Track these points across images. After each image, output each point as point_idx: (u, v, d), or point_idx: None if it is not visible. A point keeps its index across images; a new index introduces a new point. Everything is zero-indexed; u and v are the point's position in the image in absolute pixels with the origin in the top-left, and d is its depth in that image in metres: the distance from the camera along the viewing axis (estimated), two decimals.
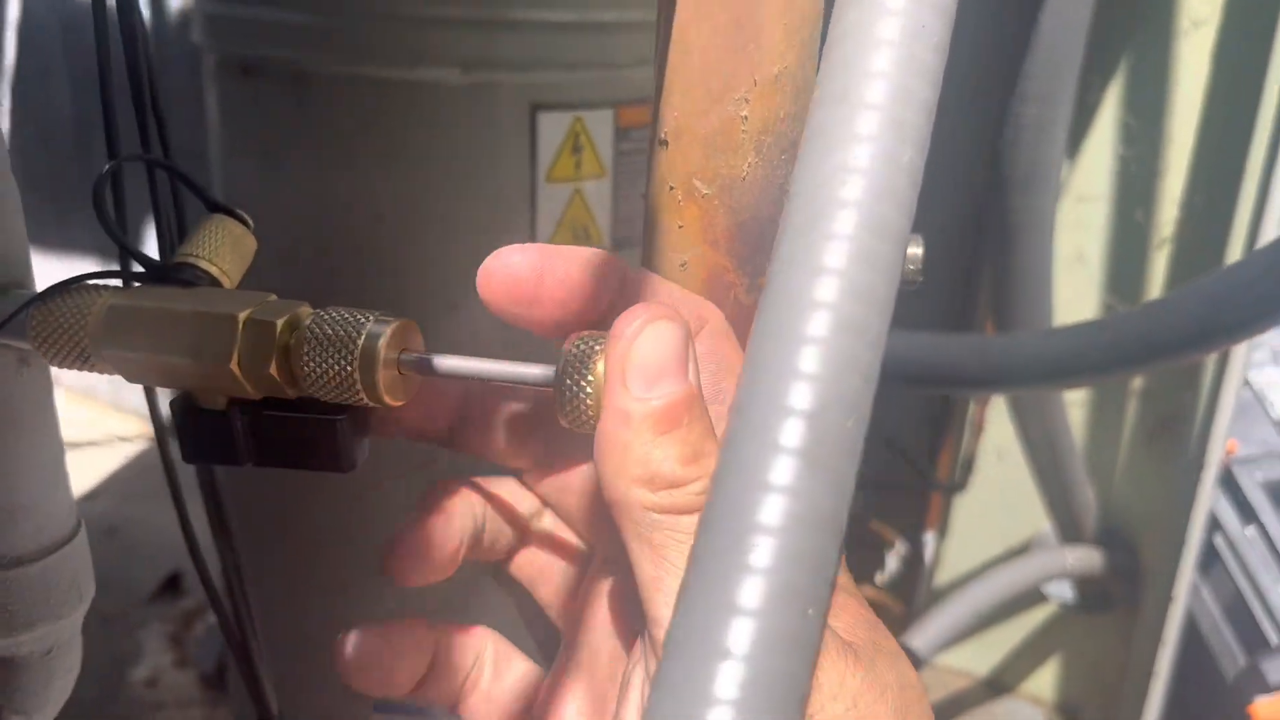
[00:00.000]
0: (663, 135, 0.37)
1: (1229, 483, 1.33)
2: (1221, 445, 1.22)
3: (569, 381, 0.31)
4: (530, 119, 0.78)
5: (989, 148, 1.09)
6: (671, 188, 0.38)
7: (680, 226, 0.37)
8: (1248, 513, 1.32)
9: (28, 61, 2.21)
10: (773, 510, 0.22)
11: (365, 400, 0.33)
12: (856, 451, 0.24)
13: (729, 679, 0.21)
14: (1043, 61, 1.00)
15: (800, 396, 0.23)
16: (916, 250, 0.44)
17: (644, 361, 0.29)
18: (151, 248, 0.43)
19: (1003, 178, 1.06)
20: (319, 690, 0.91)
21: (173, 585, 1.84)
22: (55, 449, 0.44)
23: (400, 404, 0.35)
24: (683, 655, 0.21)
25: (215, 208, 0.41)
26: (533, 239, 0.80)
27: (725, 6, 0.35)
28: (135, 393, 2.43)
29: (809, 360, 0.24)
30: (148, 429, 2.36)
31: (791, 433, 0.23)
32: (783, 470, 0.23)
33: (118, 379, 0.38)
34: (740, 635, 0.21)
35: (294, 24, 0.78)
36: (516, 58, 0.77)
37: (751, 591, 0.21)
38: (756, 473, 0.23)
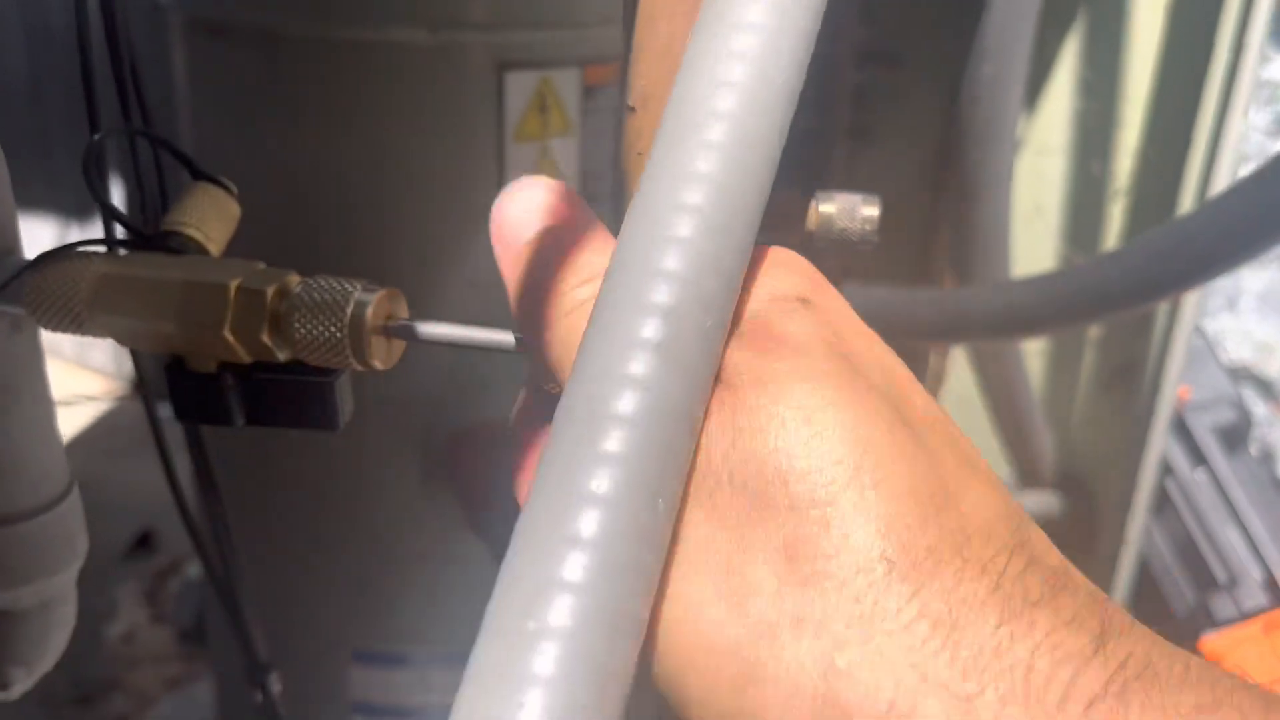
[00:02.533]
0: (631, 102, 0.39)
1: (1181, 428, 1.37)
2: (1173, 392, 1.25)
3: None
4: (497, 78, 0.79)
5: (946, 104, 1.11)
6: (640, 153, 0.39)
7: None
8: (1197, 456, 1.36)
9: None
10: (628, 401, 0.23)
11: (353, 363, 0.35)
12: (715, 351, 0.25)
13: (575, 565, 0.21)
14: (999, 19, 1.02)
15: (661, 294, 0.24)
16: (872, 211, 0.46)
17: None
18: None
19: (961, 133, 1.08)
20: (301, 642, 0.93)
21: (144, 543, 1.85)
22: (47, 409, 0.46)
23: (386, 367, 0.36)
24: (532, 541, 0.22)
25: (199, 176, 0.42)
26: None
27: None
28: (101, 351, 2.43)
29: (672, 259, 0.24)
30: (113, 387, 2.36)
31: (651, 328, 0.23)
32: (640, 363, 0.23)
33: (83, 338, 0.39)
34: (590, 523, 0.21)
35: None
36: (483, 18, 0.78)
37: (602, 479, 0.22)
38: (615, 365, 0.23)
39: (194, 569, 1.76)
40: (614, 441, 0.22)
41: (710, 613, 0.24)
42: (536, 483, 0.23)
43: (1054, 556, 0.25)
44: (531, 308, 0.30)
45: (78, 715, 1.52)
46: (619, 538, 0.21)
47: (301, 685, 0.84)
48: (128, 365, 2.31)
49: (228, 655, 1.01)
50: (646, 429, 0.23)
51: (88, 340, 0.40)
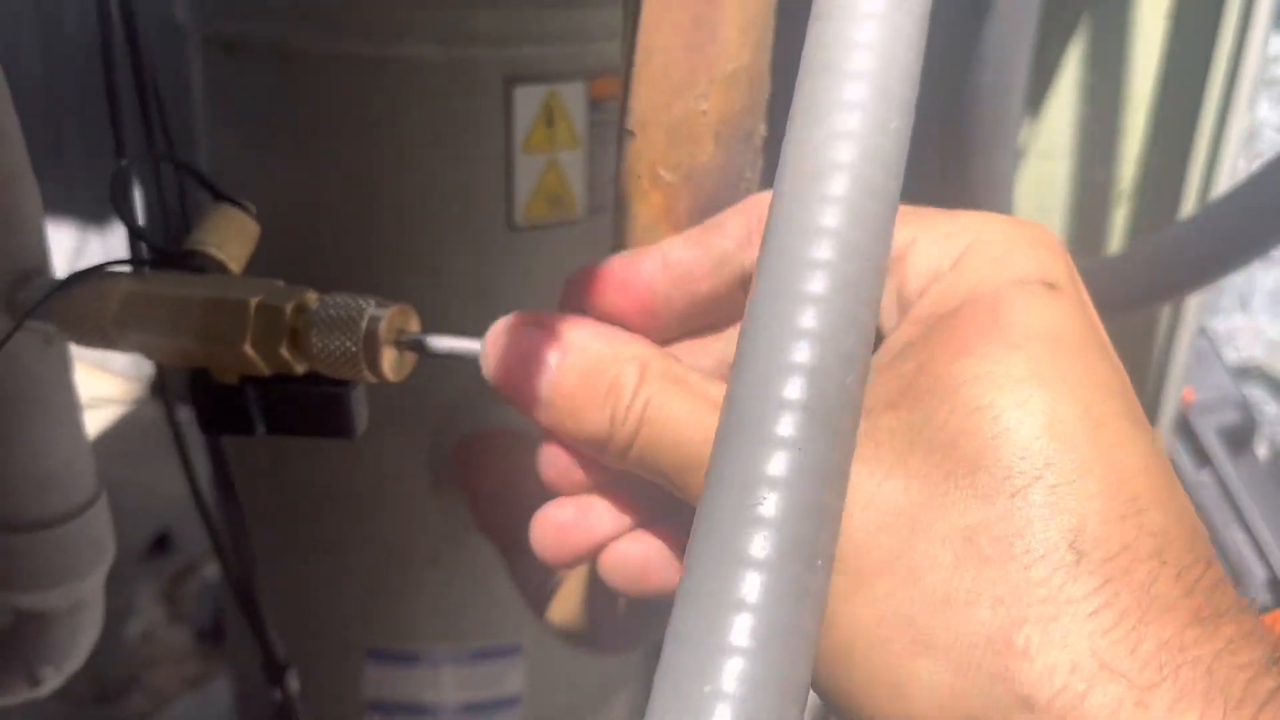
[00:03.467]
0: (629, 127, 0.40)
1: (1185, 429, 1.38)
2: (1177, 393, 1.27)
3: None
4: (506, 92, 0.81)
5: (947, 112, 1.12)
6: (638, 176, 0.41)
7: (646, 211, 0.41)
8: (1202, 458, 1.37)
9: None
10: (779, 464, 0.23)
11: (367, 376, 0.37)
12: (857, 407, 0.25)
13: (742, 629, 0.21)
14: (999, 27, 1.04)
15: (801, 353, 0.24)
16: None
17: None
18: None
19: (961, 141, 1.10)
20: (315, 641, 0.95)
21: (162, 544, 1.87)
22: (77, 419, 0.48)
23: (398, 379, 0.38)
24: (701, 607, 0.22)
25: (220, 197, 0.44)
26: (510, 208, 0.83)
27: (684, 7, 0.38)
28: (120, 355, 2.44)
29: (809, 318, 0.24)
30: (132, 390, 2.38)
31: (794, 387, 0.24)
32: (787, 424, 0.23)
33: None
34: (752, 587, 0.21)
35: (276, 2, 0.80)
36: (493, 33, 0.80)
37: (762, 543, 0.22)
38: (761, 427, 0.23)
39: (211, 570, 1.78)
40: (769, 506, 0.22)
41: (879, 587, 0.24)
42: (693, 544, 0.23)
43: (1231, 584, 0.25)
44: (566, 421, 0.30)
45: (97, 713, 1.54)
46: (783, 601, 0.22)
47: (317, 684, 0.86)
48: (147, 368, 2.34)
49: (245, 655, 1.03)
50: (800, 490, 0.23)
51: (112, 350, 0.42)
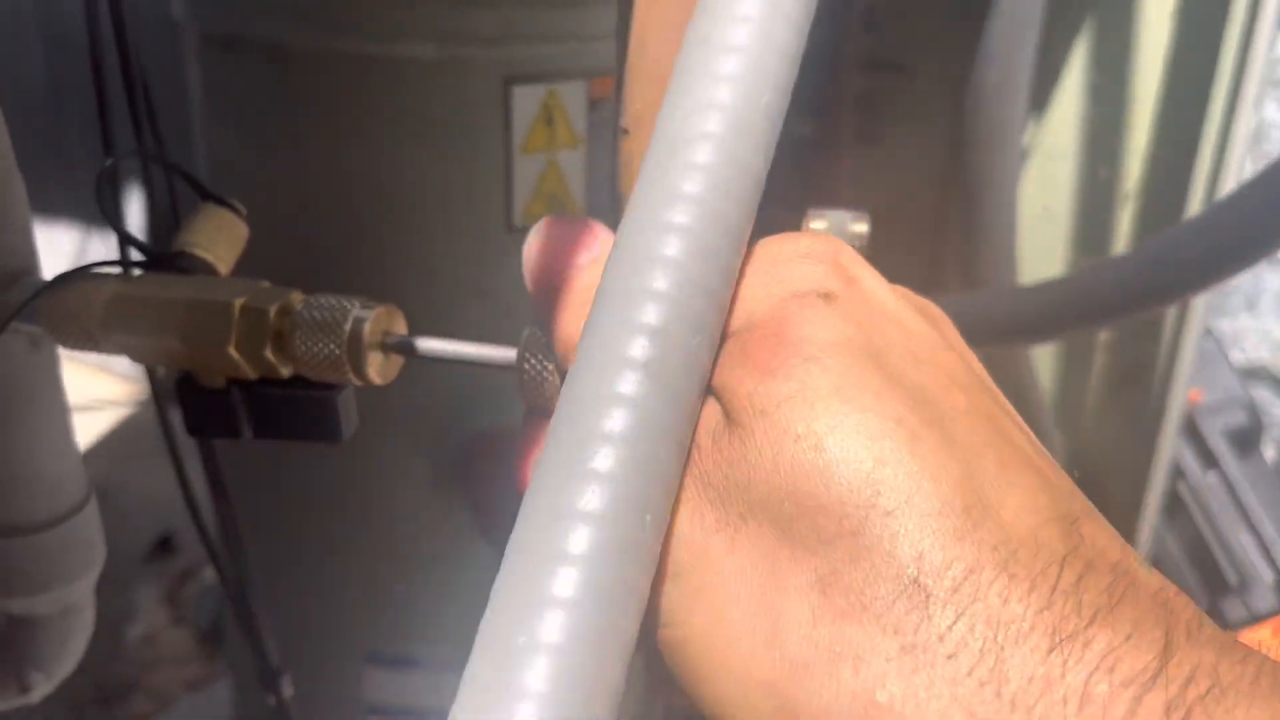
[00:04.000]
0: (624, 125, 0.40)
1: (1192, 430, 1.37)
2: (1183, 394, 1.26)
3: (529, 361, 0.33)
4: (504, 92, 0.80)
5: (952, 110, 1.11)
6: (635, 173, 0.40)
7: None
8: (1209, 459, 1.36)
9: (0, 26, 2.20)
10: (615, 419, 0.23)
11: (353, 379, 0.37)
12: (703, 370, 0.25)
13: (566, 581, 0.21)
14: (1003, 26, 1.03)
15: (648, 314, 0.24)
16: (861, 228, 0.47)
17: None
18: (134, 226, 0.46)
19: (967, 139, 1.09)
20: (315, 644, 0.95)
21: (164, 546, 1.87)
22: (64, 423, 0.48)
23: (384, 382, 0.38)
24: (523, 556, 0.22)
25: (208, 198, 0.44)
26: (509, 208, 0.83)
27: (677, 2, 0.38)
28: (123, 357, 2.45)
29: (660, 279, 0.25)
30: (135, 392, 2.38)
31: (638, 347, 0.24)
32: (628, 382, 0.23)
33: None
34: (579, 539, 0.22)
35: (274, 0, 0.80)
36: (490, 32, 0.79)
37: (592, 496, 0.22)
38: (602, 384, 0.24)
39: (213, 572, 1.78)
40: (603, 459, 0.23)
41: (743, 648, 0.24)
42: (527, 498, 0.23)
43: (1114, 551, 0.23)
44: (545, 294, 0.30)
45: (99, 715, 1.54)
46: (609, 554, 0.22)
47: (316, 687, 0.85)
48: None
49: (244, 658, 1.03)
50: (634, 446, 0.23)
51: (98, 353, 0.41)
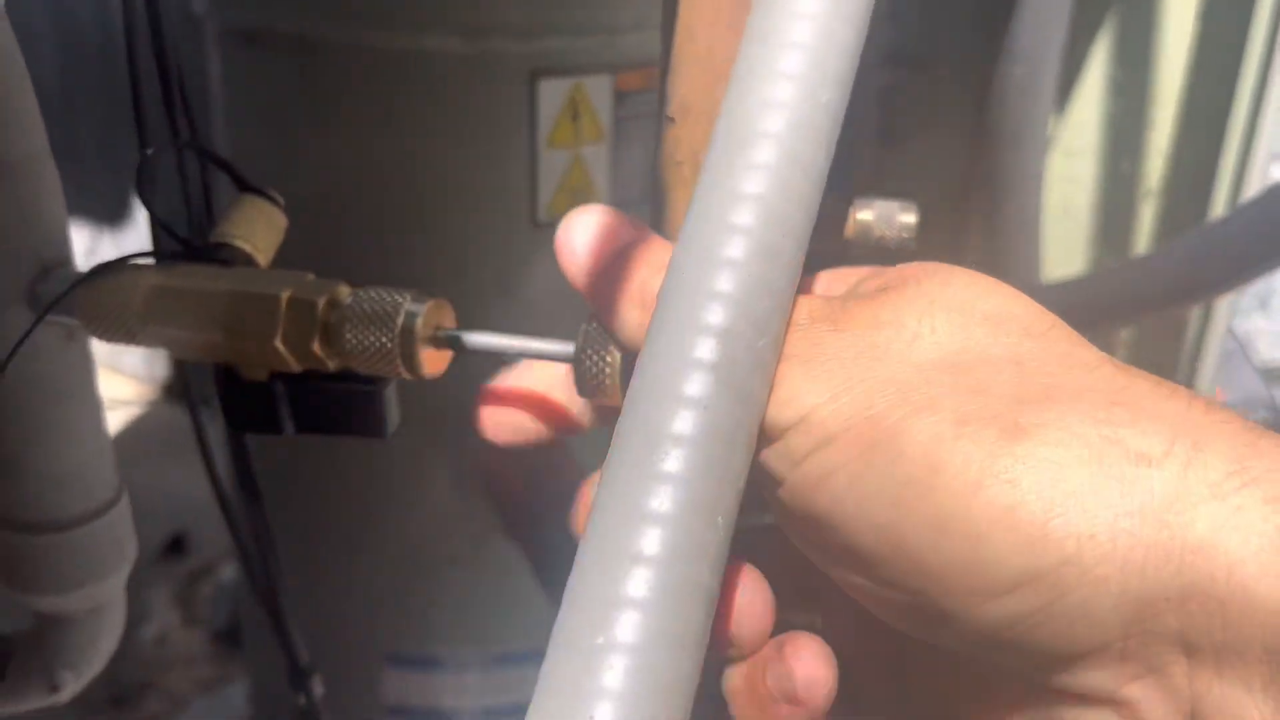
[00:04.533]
0: (670, 113, 0.39)
1: None
2: (1206, 394, 1.25)
3: (588, 355, 0.32)
4: (530, 86, 0.79)
5: (976, 106, 1.10)
6: (679, 163, 0.39)
7: (687, 199, 0.39)
8: None
9: (9, 19, 2.20)
10: (685, 422, 0.23)
11: (403, 373, 0.36)
12: (769, 369, 0.25)
13: (640, 583, 0.21)
14: (1030, 21, 1.02)
15: (715, 315, 0.24)
16: (910, 218, 0.46)
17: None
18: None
19: (991, 135, 1.08)
20: (337, 645, 0.94)
21: (176, 546, 1.87)
22: (99, 417, 0.47)
23: (433, 376, 0.37)
24: (598, 559, 0.22)
25: (247, 188, 0.43)
26: (534, 203, 0.82)
27: None
28: (133, 355, 2.45)
29: (725, 281, 0.25)
30: (145, 392, 2.38)
31: (705, 349, 0.24)
32: (697, 384, 0.24)
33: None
34: (652, 540, 0.22)
35: None
36: (517, 26, 0.78)
37: (663, 498, 0.22)
38: (671, 386, 0.24)
39: (226, 572, 1.78)
40: (674, 461, 0.23)
41: (948, 401, 0.24)
42: (598, 500, 0.23)
43: None
44: (609, 302, 0.30)
45: (113, 716, 1.54)
46: (681, 555, 0.22)
47: (338, 688, 0.84)
48: (160, 369, 2.33)
49: (264, 658, 1.02)
50: (704, 449, 0.23)
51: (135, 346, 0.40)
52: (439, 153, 0.81)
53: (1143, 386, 0.24)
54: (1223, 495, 0.22)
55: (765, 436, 0.26)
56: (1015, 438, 0.23)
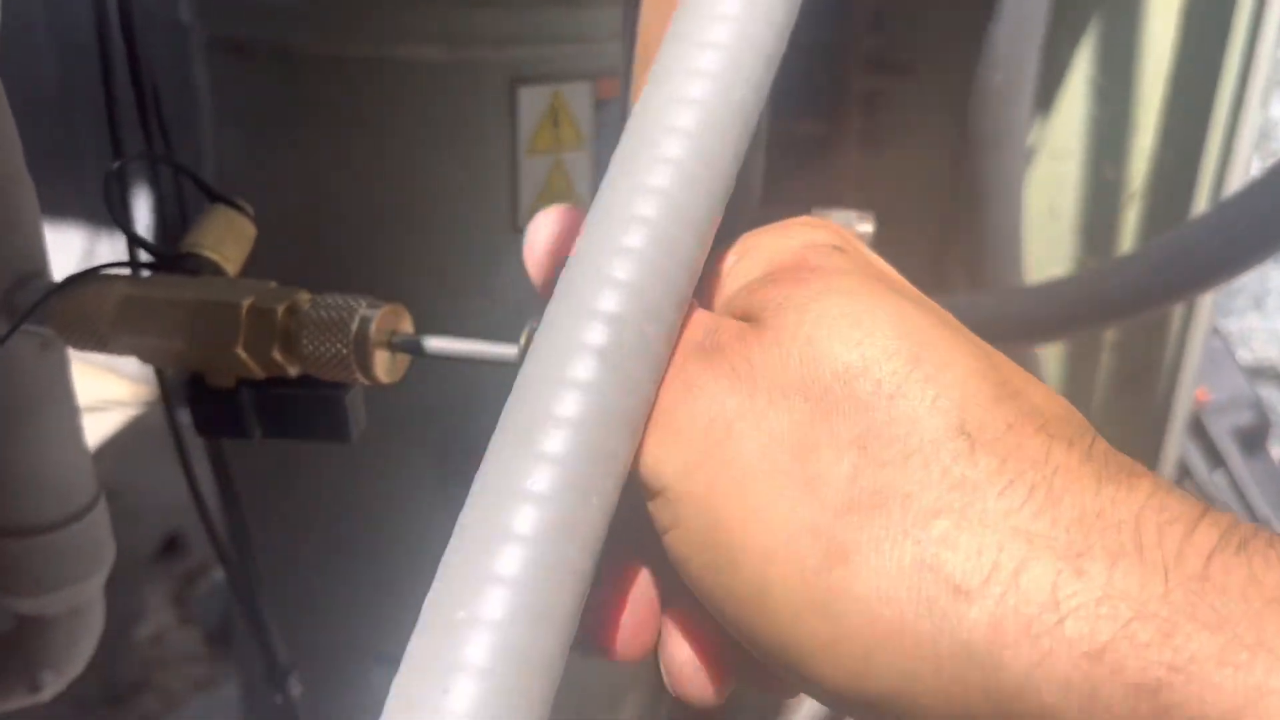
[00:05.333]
0: None
1: (1198, 430, 1.37)
2: (1189, 394, 1.26)
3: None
4: (511, 93, 0.80)
5: (958, 111, 1.12)
6: None
7: None
8: (1215, 458, 1.36)
9: (9, 26, 2.21)
10: (569, 404, 0.23)
11: (360, 378, 0.37)
12: (658, 356, 0.25)
13: (510, 560, 0.22)
14: (1008, 29, 1.03)
15: (608, 301, 0.25)
16: (866, 228, 0.48)
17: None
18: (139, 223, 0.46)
19: (972, 140, 1.09)
20: (323, 644, 0.95)
21: (172, 546, 1.88)
22: (74, 424, 0.48)
23: (391, 381, 0.38)
24: (468, 536, 0.22)
25: (216, 199, 0.44)
26: (515, 209, 0.83)
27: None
28: (130, 358, 2.45)
29: (621, 268, 0.25)
30: (141, 393, 2.39)
31: (595, 333, 0.24)
32: (584, 367, 0.24)
33: None
34: (525, 520, 0.22)
35: (281, 3, 0.80)
36: (497, 34, 0.79)
37: (540, 478, 0.23)
38: (559, 369, 0.24)
39: (221, 572, 1.79)
40: (553, 441, 0.23)
41: (782, 506, 0.24)
42: (478, 478, 0.23)
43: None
44: (550, 284, 0.30)
45: (109, 715, 1.55)
46: (552, 534, 0.22)
47: (324, 687, 0.85)
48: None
49: (253, 657, 1.03)
50: (585, 431, 0.23)
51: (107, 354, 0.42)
52: (421, 159, 0.82)
53: (983, 472, 0.22)
54: (1035, 635, 0.20)
55: (646, 489, 0.26)
56: (834, 562, 0.23)
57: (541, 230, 0.33)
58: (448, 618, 0.21)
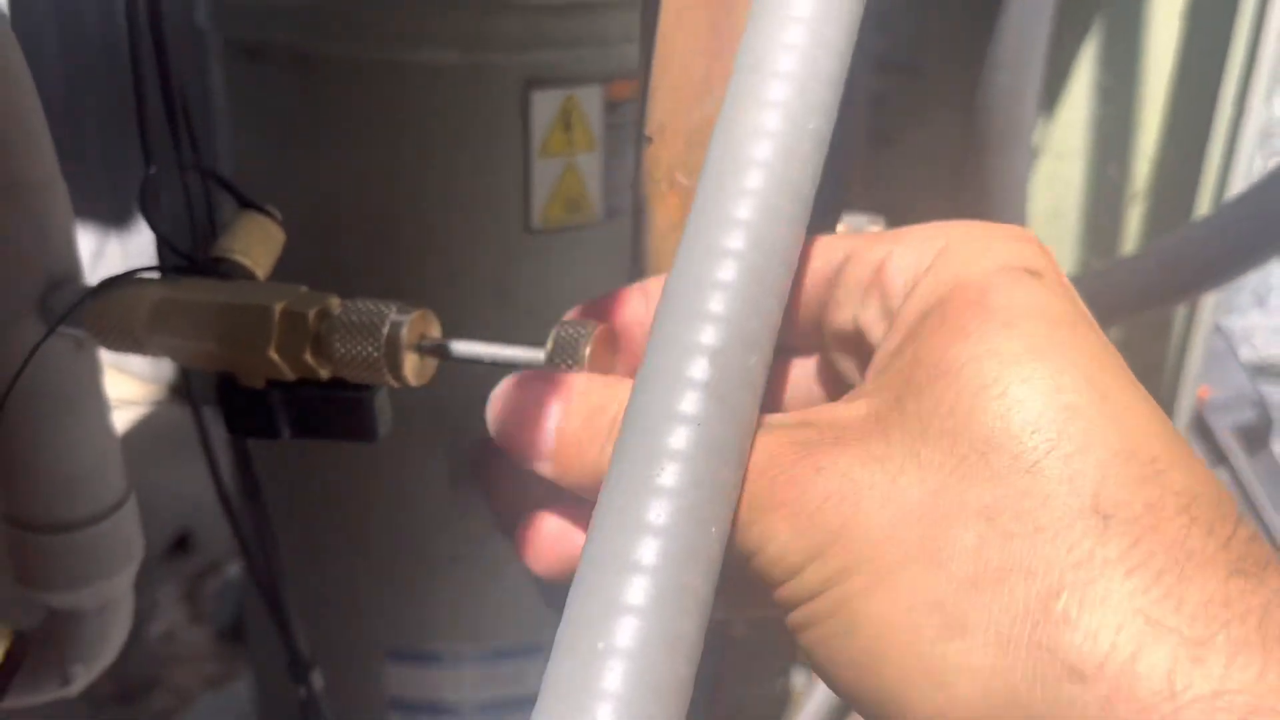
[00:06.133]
0: (648, 132, 0.41)
1: (1201, 427, 1.38)
2: (1192, 391, 1.27)
3: (560, 360, 0.34)
4: (524, 96, 0.81)
5: (964, 112, 1.13)
6: (657, 180, 0.41)
7: (665, 215, 0.41)
8: (1218, 456, 1.37)
9: (16, 24, 2.22)
10: (680, 438, 0.24)
11: (389, 380, 0.38)
12: (758, 386, 0.26)
13: (639, 589, 0.23)
14: (1014, 30, 1.04)
15: (707, 335, 0.26)
16: (877, 229, 0.49)
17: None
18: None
19: (977, 141, 1.10)
20: (338, 641, 0.96)
21: (182, 545, 1.89)
22: (105, 422, 0.49)
23: (420, 383, 0.39)
24: (598, 568, 0.23)
25: (246, 204, 0.45)
26: (528, 211, 0.84)
27: (701, 13, 0.39)
28: (139, 357, 2.46)
29: (716, 303, 0.26)
30: (151, 392, 2.40)
31: (698, 368, 0.25)
32: (690, 401, 0.25)
33: None
34: (649, 551, 0.23)
35: (297, 7, 0.81)
36: (511, 38, 0.80)
37: (659, 510, 0.24)
38: (666, 404, 0.25)
39: (231, 570, 1.80)
40: (669, 476, 0.24)
41: (904, 578, 0.24)
42: (598, 512, 0.24)
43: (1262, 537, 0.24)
44: (572, 462, 0.30)
45: (120, 713, 1.56)
46: (677, 564, 0.23)
47: (339, 683, 0.87)
48: (166, 370, 2.35)
49: (267, 654, 1.04)
50: (698, 463, 0.24)
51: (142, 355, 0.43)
52: (435, 162, 0.83)
53: (1113, 551, 0.22)
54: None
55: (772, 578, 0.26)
56: (953, 634, 0.23)
57: (494, 406, 0.33)
58: (585, 648, 0.22)
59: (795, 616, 0.26)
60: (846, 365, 0.32)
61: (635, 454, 0.25)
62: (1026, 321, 0.25)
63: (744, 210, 0.27)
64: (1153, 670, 0.21)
